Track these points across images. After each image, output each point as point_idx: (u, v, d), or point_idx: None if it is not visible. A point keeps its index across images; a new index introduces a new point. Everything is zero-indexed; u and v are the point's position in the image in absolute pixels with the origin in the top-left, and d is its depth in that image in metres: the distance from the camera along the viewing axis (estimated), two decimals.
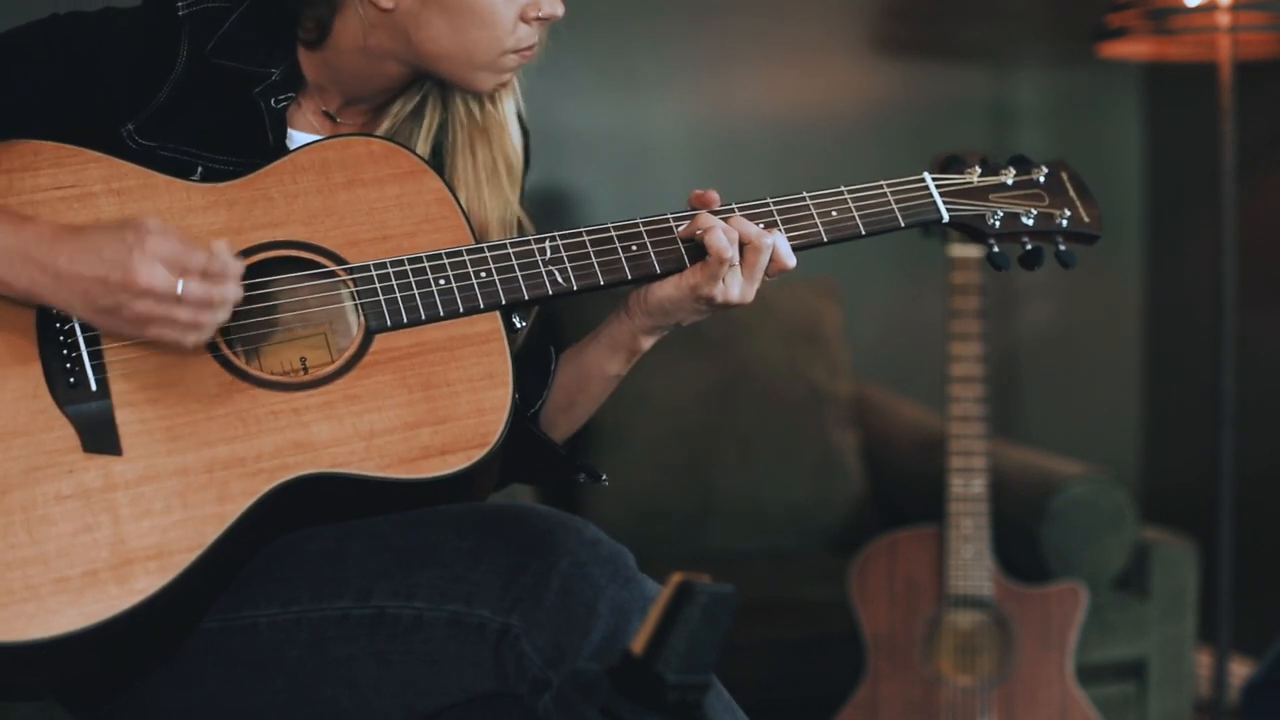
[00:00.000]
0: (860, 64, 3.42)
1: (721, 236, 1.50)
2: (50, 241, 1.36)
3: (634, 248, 1.53)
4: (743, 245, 1.52)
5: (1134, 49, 3.08)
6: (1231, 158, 2.89)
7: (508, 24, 1.51)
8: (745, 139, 3.34)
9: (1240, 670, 3.21)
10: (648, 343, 1.59)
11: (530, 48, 1.55)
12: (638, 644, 1.10)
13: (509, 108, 1.62)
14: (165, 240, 1.34)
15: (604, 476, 1.63)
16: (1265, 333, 3.22)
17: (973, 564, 2.52)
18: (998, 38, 3.48)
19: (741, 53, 3.33)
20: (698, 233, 1.51)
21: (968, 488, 2.53)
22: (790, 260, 1.54)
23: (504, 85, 1.57)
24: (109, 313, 1.35)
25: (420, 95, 1.62)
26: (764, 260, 1.52)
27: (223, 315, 1.38)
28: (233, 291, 1.38)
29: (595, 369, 1.62)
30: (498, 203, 1.60)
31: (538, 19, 1.53)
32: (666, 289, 1.54)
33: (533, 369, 1.63)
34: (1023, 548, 2.69)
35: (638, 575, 1.36)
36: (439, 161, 1.61)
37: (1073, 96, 3.54)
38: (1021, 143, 3.50)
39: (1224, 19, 2.79)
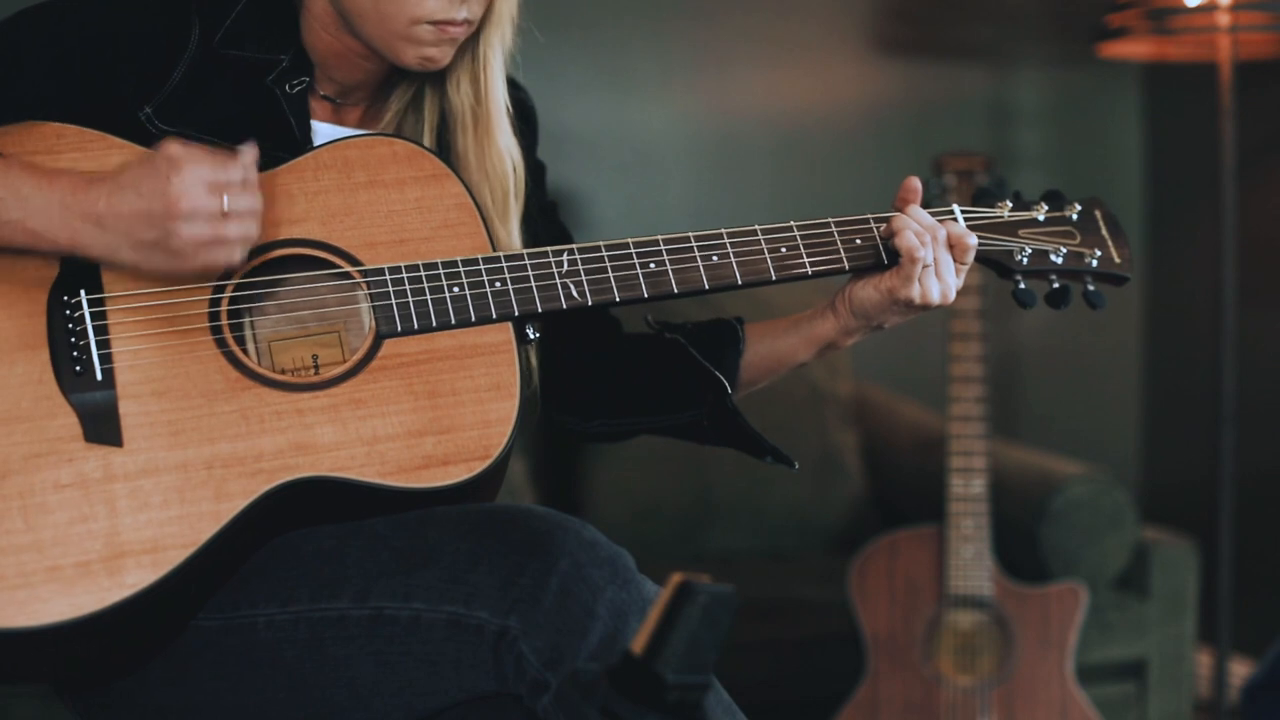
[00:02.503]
0: (860, 64, 3.41)
1: (912, 237, 1.51)
2: (85, 189, 1.35)
3: (652, 265, 1.52)
4: (951, 245, 1.54)
5: (1134, 49, 3.08)
6: (1231, 158, 2.89)
7: None
8: (745, 139, 3.34)
9: (1240, 670, 3.21)
10: (849, 342, 1.61)
11: (452, 22, 1.49)
12: (637, 644, 1.10)
13: (496, 97, 1.58)
14: (198, 164, 1.34)
15: (796, 464, 1.63)
16: (1265, 333, 3.22)
17: (973, 564, 2.52)
18: (998, 38, 3.48)
19: (741, 53, 3.33)
20: (881, 229, 1.54)
21: (968, 488, 2.53)
22: (971, 239, 1.56)
23: (430, 60, 1.51)
24: (155, 246, 1.35)
25: (416, 86, 1.61)
26: (968, 258, 1.55)
27: (257, 228, 1.38)
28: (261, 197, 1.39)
29: (789, 357, 1.63)
30: (498, 193, 1.58)
31: None
32: (867, 291, 1.55)
33: (721, 346, 1.63)
34: (1023, 548, 2.69)
35: (636, 576, 1.35)
36: (446, 154, 1.60)
37: (1073, 96, 3.54)
38: (1021, 143, 3.50)
39: (1224, 19, 2.79)
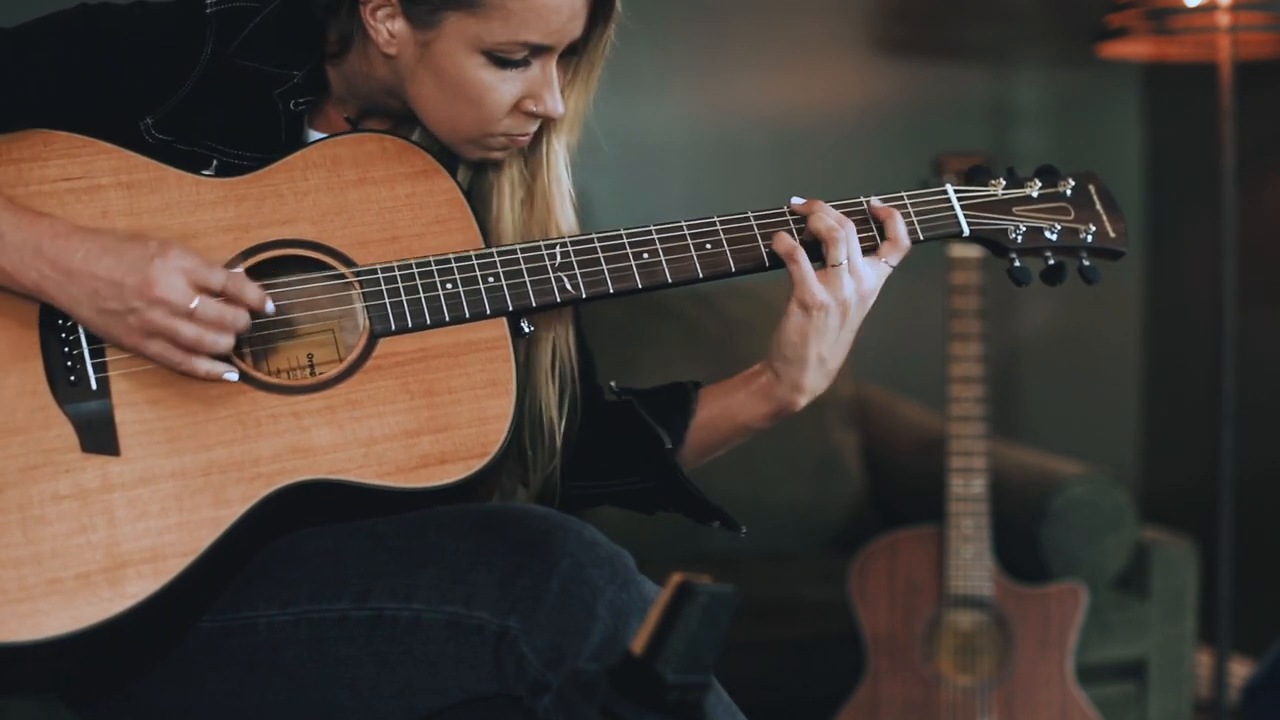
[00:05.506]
0: (860, 64, 3.41)
1: (785, 240, 1.48)
2: (65, 238, 1.36)
3: (645, 255, 1.51)
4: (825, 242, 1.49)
5: (1134, 49, 3.08)
6: (1231, 158, 2.89)
7: (498, 110, 1.47)
8: (745, 140, 3.34)
9: (1240, 670, 3.21)
10: (802, 400, 1.54)
11: (525, 135, 1.51)
12: (637, 644, 1.10)
13: (558, 182, 1.58)
14: (186, 255, 1.35)
15: (743, 529, 1.60)
16: (1265, 333, 3.22)
17: (973, 564, 2.52)
18: (998, 38, 3.48)
19: (741, 53, 3.33)
20: (781, 250, 1.50)
21: (968, 488, 2.53)
22: (904, 240, 1.51)
23: (491, 160, 1.53)
24: (114, 316, 1.35)
25: None
26: (842, 253, 1.48)
27: (225, 342, 1.37)
28: (244, 319, 1.38)
29: (739, 414, 1.58)
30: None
31: (532, 114, 1.50)
32: (778, 331, 1.51)
33: (672, 406, 1.59)
34: (1023, 548, 2.69)
35: (637, 576, 1.35)
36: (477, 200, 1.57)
37: (1073, 96, 3.54)
38: (1021, 143, 3.50)
39: (1224, 19, 2.79)
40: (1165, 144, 3.55)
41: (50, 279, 1.35)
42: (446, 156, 1.57)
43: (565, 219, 1.57)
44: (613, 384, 1.64)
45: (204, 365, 1.38)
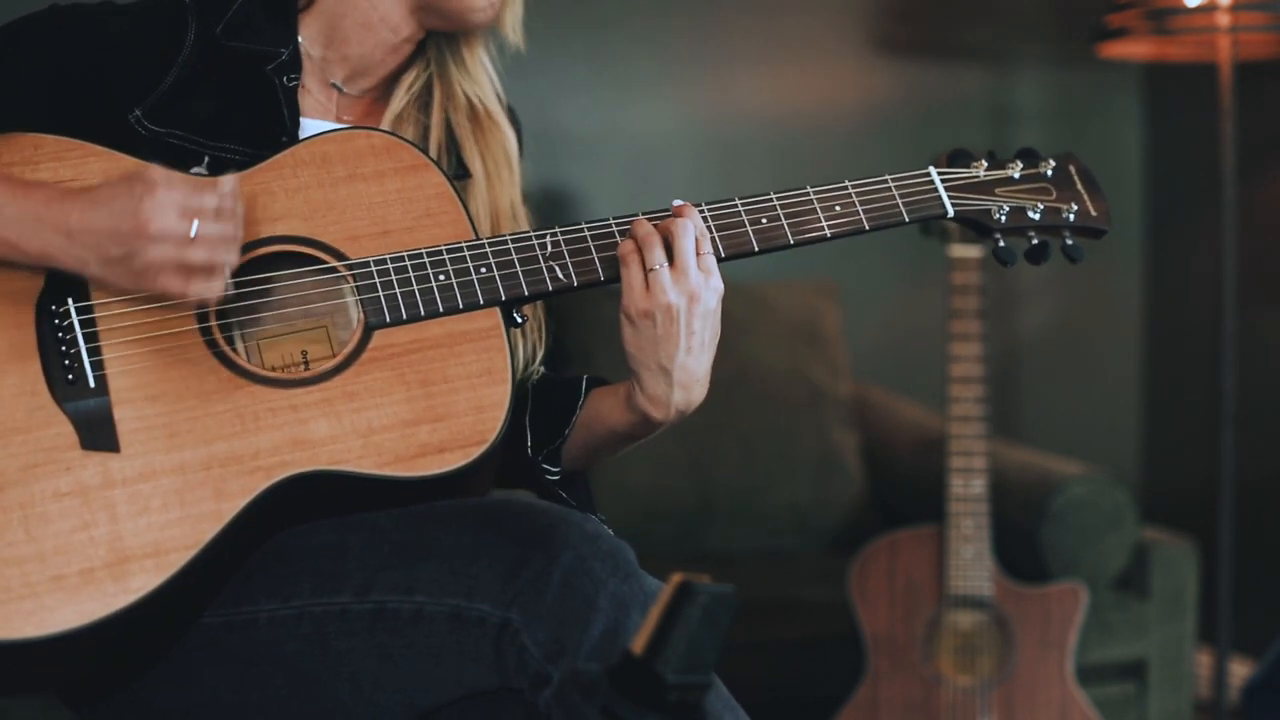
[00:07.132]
0: (860, 64, 3.41)
1: (627, 243, 1.47)
2: (59, 201, 1.36)
3: None
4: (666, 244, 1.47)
5: (1134, 49, 3.08)
6: (1231, 158, 2.89)
7: None
8: (745, 139, 3.34)
9: (1240, 670, 3.21)
10: (656, 413, 1.51)
11: None
12: (638, 644, 1.10)
13: (494, 102, 1.64)
14: (172, 188, 1.35)
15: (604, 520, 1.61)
16: (1265, 333, 3.22)
17: (973, 564, 2.52)
18: (998, 38, 3.48)
19: (741, 53, 3.34)
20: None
21: (968, 488, 2.53)
22: (688, 217, 1.47)
23: (493, 8, 1.57)
24: (120, 263, 1.35)
25: (423, 82, 1.63)
26: (684, 245, 1.46)
27: (233, 257, 1.37)
28: (240, 229, 1.38)
29: (608, 417, 1.57)
30: (505, 191, 1.61)
31: None
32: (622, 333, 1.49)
33: (559, 402, 1.60)
34: (1023, 548, 2.69)
35: (638, 570, 1.36)
36: (453, 152, 1.62)
37: (1073, 96, 3.54)
38: (1021, 143, 3.49)
39: (1224, 19, 2.79)
40: (1165, 144, 3.56)
41: (54, 243, 1.36)
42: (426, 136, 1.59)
43: (502, 118, 1.63)
44: (541, 367, 1.65)
45: (215, 286, 1.37)
